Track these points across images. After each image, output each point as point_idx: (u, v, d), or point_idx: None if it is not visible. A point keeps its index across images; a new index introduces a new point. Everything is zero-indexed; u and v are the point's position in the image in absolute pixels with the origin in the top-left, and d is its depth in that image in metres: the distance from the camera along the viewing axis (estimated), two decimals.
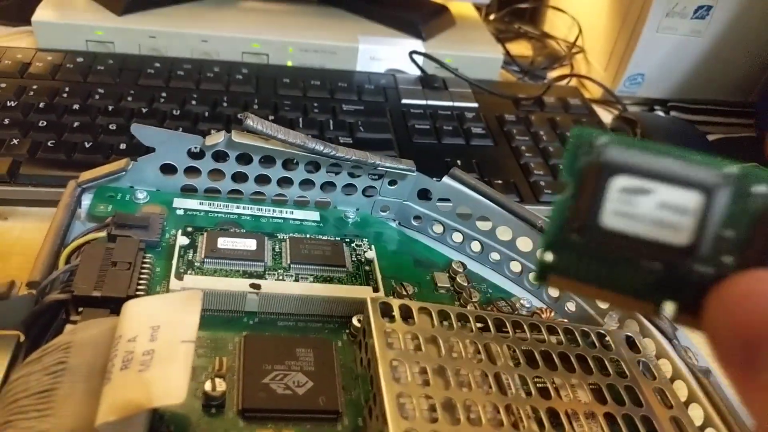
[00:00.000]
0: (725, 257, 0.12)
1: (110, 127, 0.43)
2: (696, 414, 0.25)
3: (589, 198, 0.12)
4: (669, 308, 0.13)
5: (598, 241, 0.12)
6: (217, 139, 0.30)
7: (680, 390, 0.26)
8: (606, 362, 0.27)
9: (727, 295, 0.11)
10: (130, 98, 0.46)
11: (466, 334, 0.26)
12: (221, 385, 0.24)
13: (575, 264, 0.13)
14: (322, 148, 0.31)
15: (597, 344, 0.27)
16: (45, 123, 0.42)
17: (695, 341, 0.28)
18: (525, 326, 0.27)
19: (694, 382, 0.26)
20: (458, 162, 0.46)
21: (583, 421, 0.24)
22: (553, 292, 0.32)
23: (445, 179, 0.34)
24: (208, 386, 0.24)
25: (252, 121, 0.29)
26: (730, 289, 0.11)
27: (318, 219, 0.34)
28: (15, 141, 0.40)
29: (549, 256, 0.13)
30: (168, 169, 0.32)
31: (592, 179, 0.12)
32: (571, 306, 0.32)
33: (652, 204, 0.12)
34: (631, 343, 0.28)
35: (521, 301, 0.31)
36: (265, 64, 0.55)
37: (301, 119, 0.47)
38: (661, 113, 0.61)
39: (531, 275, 0.12)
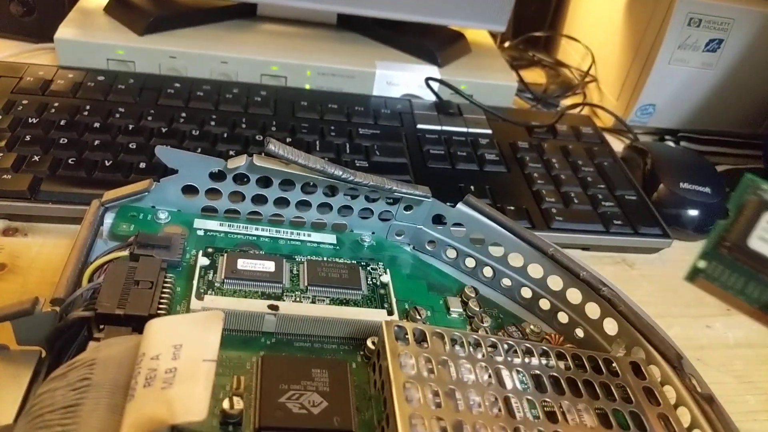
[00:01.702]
0: None
1: (130, 146, 0.44)
2: None
3: (744, 224, 0.16)
4: None
5: (742, 258, 0.16)
6: (238, 162, 0.31)
7: (684, 416, 0.27)
8: (612, 388, 0.27)
9: None
10: (150, 117, 0.47)
11: (478, 359, 0.27)
12: (239, 404, 0.24)
13: (720, 273, 0.17)
14: (340, 173, 0.32)
15: (604, 370, 0.28)
16: (66, 140, 0.43)
17: (699, 369, 0.29)
18: (535, 352, 0.28)
19: (696, 408, 0.26)
20: (471, 187, 0.46)
21: None
22: (562, 318, 0.33)
23: (460, 206, 0.35)
24: (226, 404, 0.24)
25: (274, 146, 0.30)
26: None
27: (335, 242, 0.35)
28: (36, 158, 0.41)
29: (702, 263, 0.17)
30: (189, 190, 0.33)
31: (751, 211, 0.16)
32: (579, 332, 0.32)
33: None
34: (636, 369, 0.28)
35: (531, 327, 0.32)
36: (284, 86, 0.56)
37: (318, 142, 0.48)
38: (671, 143, 0.62)
39: (684, 275, 0.17)
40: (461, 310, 0.33)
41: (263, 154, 0.31)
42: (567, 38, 0.72)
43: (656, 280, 0.45)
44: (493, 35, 0.69)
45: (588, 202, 0.47)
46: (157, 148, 0.31)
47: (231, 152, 0.45)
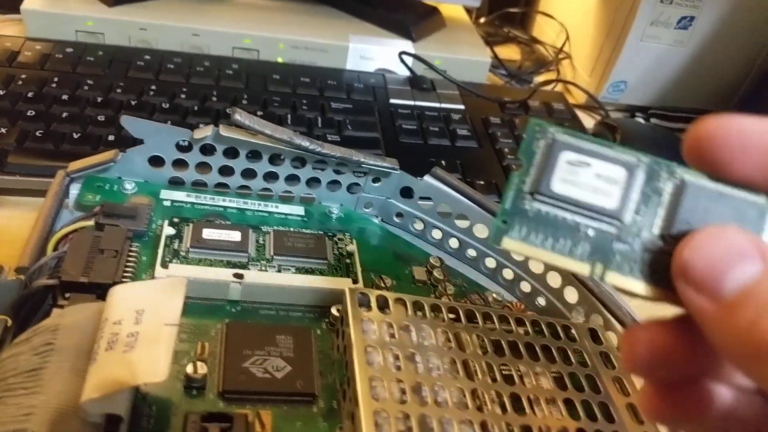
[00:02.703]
0: (643, 224, 0.15)
1: (99, 118, 0.44)
2: None
3: (542, 169, 0.15)
4: (598, 270, 0.15)
5: (547, 206, 0.15)
6: (205, 132, 0.31)
7: (638, 379, 0.28)
8: (569, 352, 0.28)
9: (693, 242, 0.14)
10: (119, 90, 0.47)
11: (438, 324, 0.27)
12: (203, 368, 0.25)
13: (526, 228, 0.15)
14: (308, 144, 0.32)
15: (562, 336, 0.29)
16: (33, 113, 0.43)
17: None
18: (494, 317, 0.28)
19: None
20: (443, 162, 0.47)
21: (544, 406, 0.25)
22: (525, 287, 0.34)
23: (427, 178, 0.35)
24: (189, 369, 0.25)
25: (240, 115, 0.30)
26: (694, 238, 0.14)
27: (303, 214, 0.35)
28: (3, 130, 0.40)
29: (504, 222, 0.15)
30: (156, 161, 0.33)
31: (546, 154, 0.15)
32: (541, 301, 0.33)
33: (591, 174, 0.15)
34: (594, 335, 0.29)
35: (494, 295, 0.33)
36: (256, 59, 0.55)
37: (289, 116, 0.48)
38: (641, 120, 0.63)
39: (489, 239, 0.15)
40: (426, 279, 0.33)
41: (230, 124, 0.31)
42: (542, 15, 0.72)
43: None
44: (468, 11, 0.69)
45: None
46: (122, 118, 0.31)
47: (201, 125, 0.44)
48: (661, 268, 0.15)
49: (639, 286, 0.15)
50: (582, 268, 0.15)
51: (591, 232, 0.15)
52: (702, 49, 0.60)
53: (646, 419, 0.17)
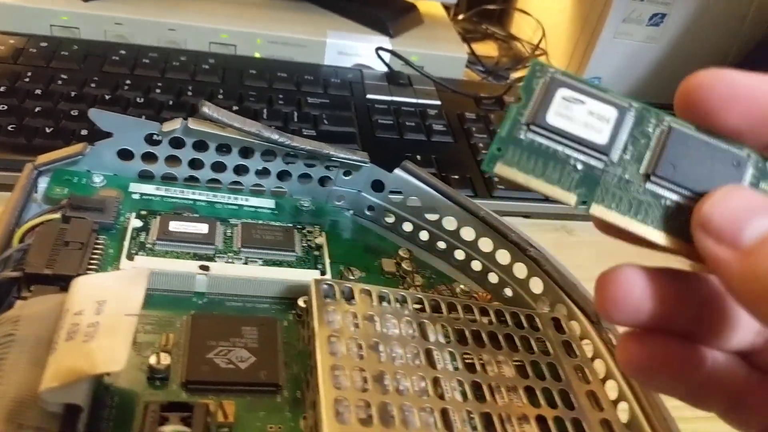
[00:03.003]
0: (630, 164, 0.16)
1: (72, 113, 0.44)
2: (612, 389, 0.27)
3: (539, 103, 0.16)
4: (582, 200, 0.16)
5: (541, 138, 0.16)
6: (174, 125, 0.32)
7: (600, 368, 0.28)
8: (532, 341, 0.28)
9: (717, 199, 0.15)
10: (93, 84, 0.47)
11: (403, 314, 0.28)
12: (166, 359, 0.25)
13: (519, 156, 0.16)
14: (277, 137, 0.32)
15: (525, 325, 0.29)
16: (5, 107, 0.43)
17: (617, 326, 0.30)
18: (459, 308, 0.29)
19: (611, 360, 0.28)
20: (418, 157, 0.47)
21: (505, 393, 0.26)
22: (492, 278, 0.34)
23: (397, 171, 0.36)
24: (153, 360, 0.25)
25: (208, 108, 0.30)
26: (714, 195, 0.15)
27: (273, 207, 0.35)
28: None
29: (499, 148, 0.16)
30: (125, 154, 0.33)
31: (544, 90, 0.16)
32: (508, 292, 0.34)
33: (584, 111, 0.16)
34: (557, 324, 0.30)
35: (461, 287, 0.33)
36: (233, 54, 0.56)
37: (265, 110, 0.48)
38: None
39: (483, 164, 0.16)
40: (395, 270, 0.34)
41: (199, 117, 0.31)
42: (519, 12, 0.73)
43: (594, 245, 0.46)
44: (446, 7, 0.70)
45: None
46: (90, 111, 0.31)
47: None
48: (642, 204, 0.16)
49: (619, 219, 0.16)
50: (568, 198, 0.16)
51: (580, 165, 0.16)
52: (674, 45, 0.61)
53: (623, 369, 0.17)
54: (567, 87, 0.16)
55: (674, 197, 0.16)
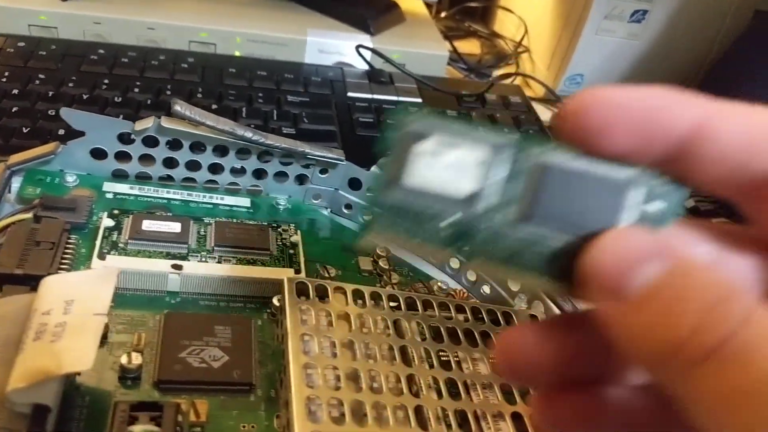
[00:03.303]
0: (505, 209, 0.15)
1: (49, 112, 0.43)
2: None
3: (399, 160, 0.15)
4: (463, 255, 0.15)
5: (407, 197, 0.15)
6: (146, 124, 0.31)
7: None
8: None
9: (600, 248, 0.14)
10: (71, 84, 0.46)
11: (378, 312, 0.28)
12: (137, 359, 0.25)
13: (390, 220, 0.15)
14: (251, 135, 0.32)
15: (502, 322, 0.29)
16: None
17: None
18: (435, 305, 0.29)
19: None
20: None
21: (480, 390, 0.26)
22: (470, 275, 0.34)
23: (374, 169, 0.36)
24: (124, 359, 0.25)
25: (180, 106, 0.30)
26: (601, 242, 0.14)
27: (249, 205, 0.35)
28: None
29: (372, 214, 0.15)
30: (98, 153, 0.33)
31: (402, 145, 0.15)
32: (486, 289, 0.34)
33: (448, 162, 0.15)
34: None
35: (439, 284, 0.33)
36: (213, 53, 0.55)
37: (245, 109, 0.48)
38: None
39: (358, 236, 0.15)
40: (372, 268, 0.33)
41: (172, 116, 0.31)
42: (502, 9, 0.73)
43: None
44: (428, 5, 0.70)
45: None
46: (62, 110, 0.31)
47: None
48: (524, 251, 0.15)
49: (502, 270, 0.15)
50: (445, 256, 0.15)
51: (453, 219, 0.15)
52: (655, 42, 0.61)
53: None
54: (427, 139, 0.15)
55: (556, 240, 0.15)
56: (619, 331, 0.14)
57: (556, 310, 0.31)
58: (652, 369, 0.13)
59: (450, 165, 0.15)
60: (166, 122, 0.31)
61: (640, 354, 0.13)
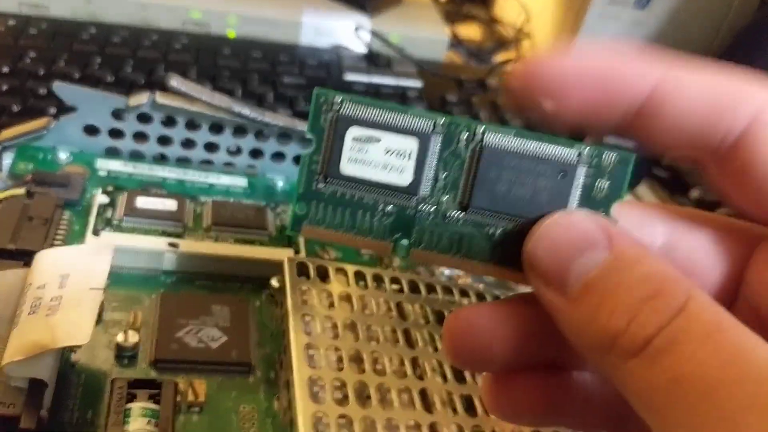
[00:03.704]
0: (443, 195, 0.14)
1: (40, 91, 0.42)
2: None
3: (331, 148, 0.14)
4: (402, 247, 0.14)
5: (341, 188, 0.14)
6: (141, 100, 0.30)
7: None
8: None
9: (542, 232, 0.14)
10: (62, 63, 0.45)
11: (380, 294, 0.27)
12: (134, 337, 0.24)
13: (323, 212, 0.14)
14: (248, 112, 0.31)
15: None
16: None
17: None
18: (438, 288, 0.28)
19: None
20: None
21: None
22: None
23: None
24: (120, 338, 0.24)
25: (176, 81, 0.29)
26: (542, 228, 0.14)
27: (246, 185, 0.34)
28: None
29: (300, 208, 0.14)
30: (91, 130, 0.32)
31: (333, 131, 0.14)
32: None
33: (381, 149, 0.14)
34: None
35: (440, 268, 0.32)
36: (206, 34, 0.54)
37: (240, 90, 0.47)
38: None
39: (287, 228, 0.13)
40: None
41: (167, 90, 0.30)
42: None
43: None
44: None
45: None
46: (54, 84, 0.30)
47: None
48: (464, 239, 0.14)
49: (444, 260, 0.14)
50: (384, 248, 0.14)
51: (389, 209, 0.14)
52: (660, 28, 0.61)
53: (493, 415, 0.15)
54: (359, 124, 0.14)
55: (499, 225, 0.14)
56: (559, 320, 0.13)
57: None
58: (593, 360, 0.13)
59: (386, 151, 0.14)
60: (161, 98, 0.30)
61: (581, 344, 0.13)
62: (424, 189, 0.14)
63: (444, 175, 0.14)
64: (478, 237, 0.14)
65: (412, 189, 0.14)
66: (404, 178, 0.14)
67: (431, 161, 0.14)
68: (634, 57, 0.14)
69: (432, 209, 0.14)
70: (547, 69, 0.13)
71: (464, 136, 0.14)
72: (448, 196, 0.14)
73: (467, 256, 0.14)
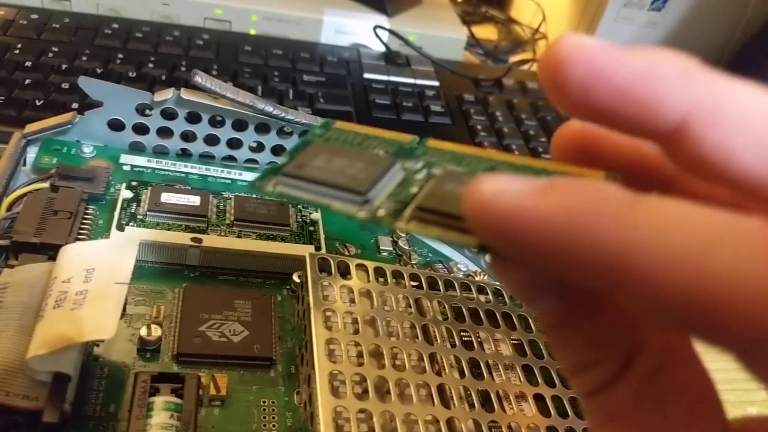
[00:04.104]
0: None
1: (63, 85, 0.42)
2: None
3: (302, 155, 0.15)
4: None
5: (307, 185, 0.15)
6: (165, 95, 0.31)
7: None
8: (530, 320, 0.28)
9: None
10: (84, 58, 0.46)
11: (400, 290, 0.27)
12: (157, 331, 0.24)
13: (296, 185, 0.15)
14: (271, 109, 0.31)
15: (523, 304, 0.29)
16: None
17: None
18: (456, 285, 0.28)
19: None
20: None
21: (503, 371, 0.25)
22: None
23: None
24: (143, 331, 0.24)
25: (200, 77, 0.29)
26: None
27: None
28: None
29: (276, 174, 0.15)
30: (116, 125, 0.32)
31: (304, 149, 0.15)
32: None
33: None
34: None
35: (458, 266, 0.33)
36: (228, 31, 0.54)
37: (260, 87, 0.47)
38: None
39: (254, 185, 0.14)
40: (391, 248, 0.33)
41: (191, 87, 0.30)
42: None
43: None
44: None
45: (529, 154, 0.48)
46: (80, 79, 0.30)
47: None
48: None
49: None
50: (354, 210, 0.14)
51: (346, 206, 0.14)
52: (675, 30, 0.60)
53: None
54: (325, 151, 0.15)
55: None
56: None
57: None
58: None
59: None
60: (185, 94, 0.31)
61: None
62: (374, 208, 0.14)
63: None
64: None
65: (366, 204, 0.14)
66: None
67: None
68: (670, 73, 0.12)
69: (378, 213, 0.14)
70: (574, 64, 0.12)
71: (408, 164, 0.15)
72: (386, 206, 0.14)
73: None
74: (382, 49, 0.57)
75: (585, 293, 0.12)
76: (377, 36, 0.56)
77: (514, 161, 0.14)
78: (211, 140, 0.34)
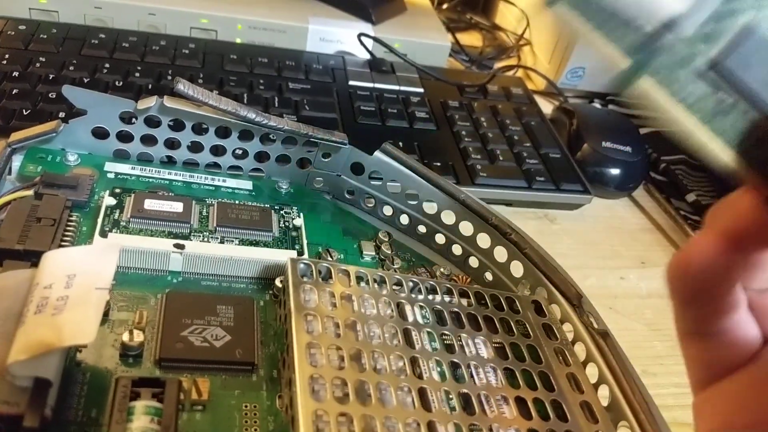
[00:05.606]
0: (703, 42, 0.14)
1: (50, 95, 0.43)
2: (592, 372, 0.27)
3: None
4: (637, 70, 0.14)
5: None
6: (148, 103, 0.31)
7: (580, 351, 0.28)
8: (512, 324, 0.28)
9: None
10: (72, 68, 0.46)
11: (382, 294, 0.27)
12: (139, 336, 0.25)
13: (582, 4, 0.14)
14: (254, 116, 0.32)
15: (505, 307, 0.29)
16: None
17: (610, 316, 0.30)
18: (438, 289, 0.29)
19: (591, 343, 0.28)
20: (400, 144, 0.47)
21: (483, 374, 0.26)
22: (473, 262, 0.34)
23: (377, 153, 0.36)
24: (125, 337, 0.24)
25: (183, 85, 0.29)
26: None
27: (251, 188, 0.35)
28: None
29: None
30: (100, 133, 0.33)
31: None
32: (489, 275, 0.34)
33: None
34: (538, 307, 0.30)
35: (441, 270, 0.33)
36: (214, 40, 0.55)
37: (246, 95, 0.48)
38: (598, 106, 0.64)
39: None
40: (374, 253, 0.33)
41: (174, 94, 0.31)
42: (504, 1, 0.73)
43: (576, 234, 0.47)
44: None
45: (513, 160, 0.49)
46: (64, 87, 0.31)
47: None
48: (694, 93, 0.14)
49: (665, 101, 0.14)
50: (621, 60, 0.14)
51: (646, 29, 0.14)
52: None
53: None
54: None
55: (737, 106, 0.13)
56: None
57: (560, 297, 0.30)
58: None
59: None
60: (168, 101, 0.31)
61: None
62: (684, 30, 0.14)
63: (711, 25, 0.13)
64: (707, 98, 0.13)
65: (680, 20, 0.14)
66: (671, 11, 0.14)
67: (701, 9, 0.14)
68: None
69: (685, 49, 0.14)
70: (688, 275, 0.15)
71: (738, 6, 0.14)
72: (706, 46, 0.14)
73: (688, 109, 0.14)
74: (367, 56, 0.57)
75: None
76: (362, 44, 0.57)
77: None
78: (195, 147, 0.34)
